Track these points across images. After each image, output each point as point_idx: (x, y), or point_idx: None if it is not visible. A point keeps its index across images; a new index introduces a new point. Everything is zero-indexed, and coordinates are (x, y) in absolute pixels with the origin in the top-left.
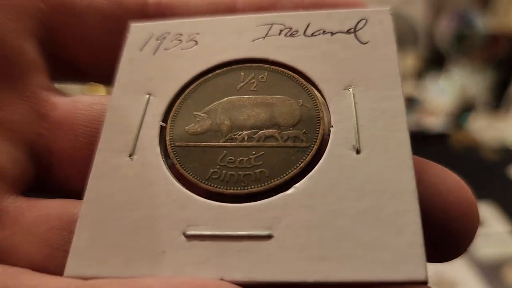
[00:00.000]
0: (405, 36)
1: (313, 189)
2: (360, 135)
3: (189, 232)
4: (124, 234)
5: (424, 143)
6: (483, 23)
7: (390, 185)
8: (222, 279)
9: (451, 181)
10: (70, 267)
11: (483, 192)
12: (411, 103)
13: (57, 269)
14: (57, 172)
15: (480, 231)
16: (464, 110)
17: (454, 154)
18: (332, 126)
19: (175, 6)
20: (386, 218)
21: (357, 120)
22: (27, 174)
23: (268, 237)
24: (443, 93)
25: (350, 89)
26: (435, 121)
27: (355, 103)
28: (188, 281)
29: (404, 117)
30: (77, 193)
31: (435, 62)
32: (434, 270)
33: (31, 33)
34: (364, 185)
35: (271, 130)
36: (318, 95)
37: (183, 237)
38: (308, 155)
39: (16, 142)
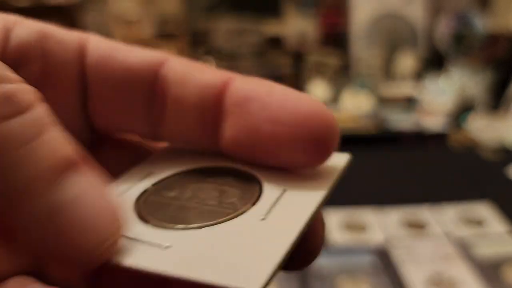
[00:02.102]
0: (404, 37)
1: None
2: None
3: None
4: None
5: (423, 143)
6: (482, 23)
7: (267, 240)
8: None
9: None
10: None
11: (481, 192)
12: (410, 103)
13: None
14: None
15: (479, 231)
16: (463, 110)
17: (453, 154)
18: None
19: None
20: (250, 254)
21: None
22: None
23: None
24: (442, 93)
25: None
26: (434, 121)
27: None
28: None
29: (308, 214)
30: None
31: (434, 62)
32: (434, 269)
33: (78, 105)
34: (248, 236)
35: None
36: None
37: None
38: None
39: None
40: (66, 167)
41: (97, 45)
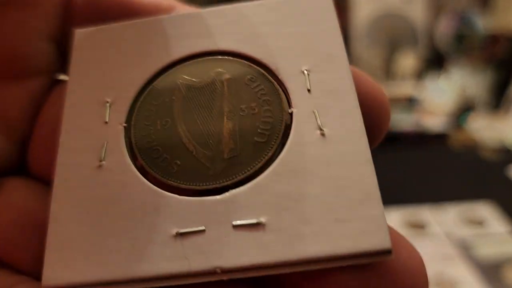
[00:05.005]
0: (405, 36)
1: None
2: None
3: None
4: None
5: (424, 143)
6: (483, 23)
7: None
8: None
9: (370, 89)
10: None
11: (482, 192)
12: (410, 103)
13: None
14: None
15: (480, 231)
16: (464, 110)
17: (454, 154)
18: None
19: None
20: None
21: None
22: (8, 161)
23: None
24: (442, 93)
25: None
26: (434, 121)
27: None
28: None
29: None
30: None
31: (434, 62)
32: (434, 270)
33: (52, 36)
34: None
35: None
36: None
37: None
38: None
39: (8, 136)
40: None
41: None
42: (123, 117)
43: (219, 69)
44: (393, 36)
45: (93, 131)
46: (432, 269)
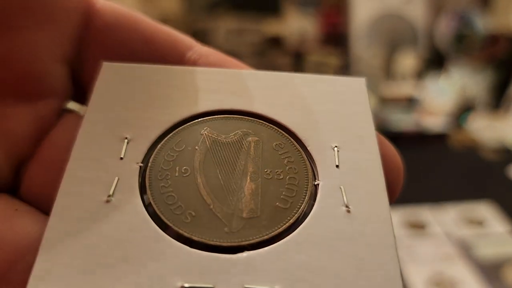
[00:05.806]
0: (405, 36)
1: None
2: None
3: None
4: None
5: (424, 143)
6: (483, 23)
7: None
8: None
9: (388, 152)
10: None
11: (482, 192)
12: (411, 103)
13: None
14: (27, 190)
15: (480, 231)
16: (464, 110)
17: (454, 154)
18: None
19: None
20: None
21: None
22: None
23: None
24: (442, 93)
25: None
26: (434, 121)
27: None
28: None
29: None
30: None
31: (435, 62)
32: (434, 270)
33: (67, 59)
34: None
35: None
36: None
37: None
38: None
39: (8, 154)
40: None
41: (112, 8)
42: (140, 156)
43: (247, 130)
44: (393, 36)
45: (105, 164)
46: (432, 269)
